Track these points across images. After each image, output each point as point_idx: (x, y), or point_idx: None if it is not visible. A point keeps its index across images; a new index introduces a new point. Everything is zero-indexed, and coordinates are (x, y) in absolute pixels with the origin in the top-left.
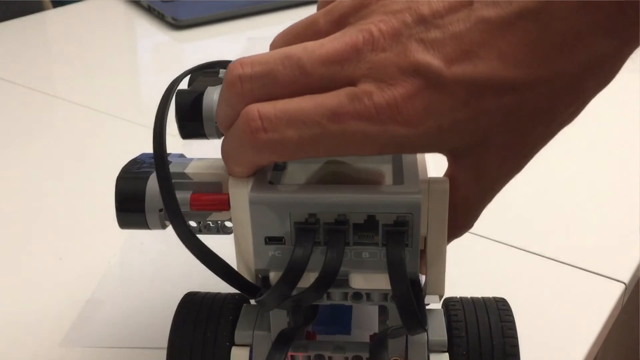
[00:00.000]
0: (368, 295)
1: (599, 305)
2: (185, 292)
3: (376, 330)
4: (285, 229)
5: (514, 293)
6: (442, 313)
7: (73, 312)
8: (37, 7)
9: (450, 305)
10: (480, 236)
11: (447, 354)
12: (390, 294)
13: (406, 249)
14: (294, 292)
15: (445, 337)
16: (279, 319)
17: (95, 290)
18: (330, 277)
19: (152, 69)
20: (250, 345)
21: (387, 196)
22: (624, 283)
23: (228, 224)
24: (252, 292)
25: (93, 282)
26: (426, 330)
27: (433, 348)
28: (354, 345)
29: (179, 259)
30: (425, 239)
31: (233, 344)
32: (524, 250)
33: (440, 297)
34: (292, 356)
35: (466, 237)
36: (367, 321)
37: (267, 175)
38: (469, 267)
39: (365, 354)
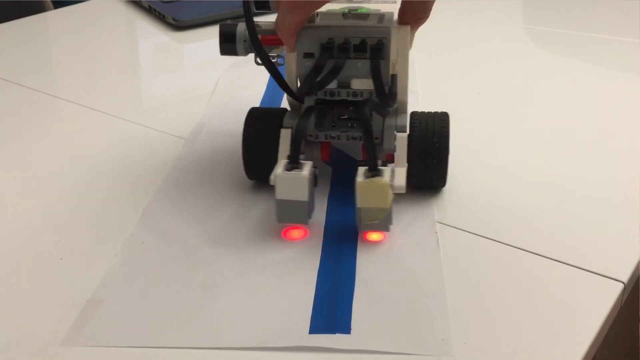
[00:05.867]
0: (362, 93)
1: (598, 305)
2: (185, 291)
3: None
4: (315, 48)
5: (512, 292)
6: (407, 116)
7: (73, 312)
8: (38, 8)
9: (412, 114)
10: (480, 236)
11: (406, 133)
12: (374, 92)
13: (382, 61)
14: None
15: (407, 123)
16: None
17: (96, 290)
18: (339, 68)
19: (152, 69)
20: (292, 128)
21: (372, 27)
22: (623, 282)
23: (280, 60)
24: (292, 93)
25: (93, 282)
26: (394, 105)
27: (399, 129)
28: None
29: (178, 258)
30: (396, 63)
31: (282, 127)
32: (523, 249)
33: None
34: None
35: (466, 236)
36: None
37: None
38: (468, 267)
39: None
